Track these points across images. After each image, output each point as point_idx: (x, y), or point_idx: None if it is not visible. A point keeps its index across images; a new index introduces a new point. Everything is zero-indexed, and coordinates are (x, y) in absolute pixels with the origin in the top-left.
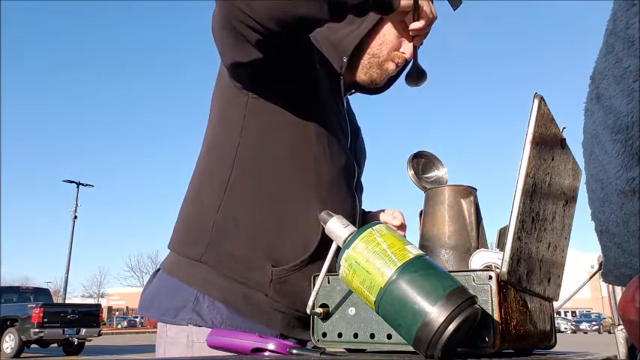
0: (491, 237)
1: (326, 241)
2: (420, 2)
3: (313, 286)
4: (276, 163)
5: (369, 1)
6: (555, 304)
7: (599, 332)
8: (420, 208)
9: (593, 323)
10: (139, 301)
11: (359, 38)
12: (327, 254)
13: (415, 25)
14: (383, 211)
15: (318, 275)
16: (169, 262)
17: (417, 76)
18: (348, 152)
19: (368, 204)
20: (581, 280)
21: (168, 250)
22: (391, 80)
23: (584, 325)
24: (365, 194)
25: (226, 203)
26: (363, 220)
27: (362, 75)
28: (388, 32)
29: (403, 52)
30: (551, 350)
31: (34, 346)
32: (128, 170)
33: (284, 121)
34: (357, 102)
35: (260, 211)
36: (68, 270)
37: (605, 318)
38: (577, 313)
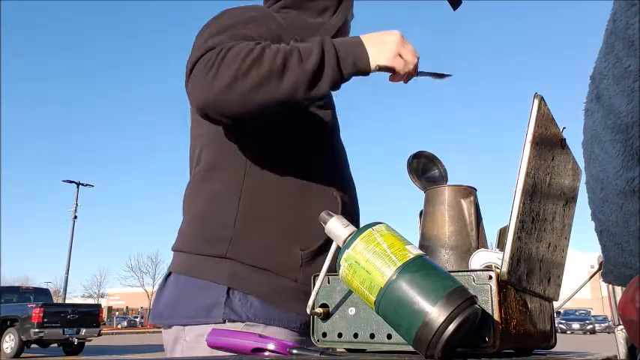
0: (492, 237)
1: (345, 215)
2: (395, 63)
3: (313, 287)
4: (290, 145)
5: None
6: (555, 304)
7: (591, 333)
8: (420, 208)
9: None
10: (152, 310)
11: (334, 31)
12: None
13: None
14: None
15: (318, 275)
16: (186, 264)
17: None
18: (342, 142)
19: (368, 203)
20: (581, 280)
21: (176, 253)
22: None
23: (564, 326)
24: (365, 194)
25: (246, 195)
26: None
27: None
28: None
29: None
30: (551, 350)
31: (34, 346)
32: (128, 170)
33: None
34: (357, 102)
35: (282, 197)
36: (68, 270)
37: (590, 319)
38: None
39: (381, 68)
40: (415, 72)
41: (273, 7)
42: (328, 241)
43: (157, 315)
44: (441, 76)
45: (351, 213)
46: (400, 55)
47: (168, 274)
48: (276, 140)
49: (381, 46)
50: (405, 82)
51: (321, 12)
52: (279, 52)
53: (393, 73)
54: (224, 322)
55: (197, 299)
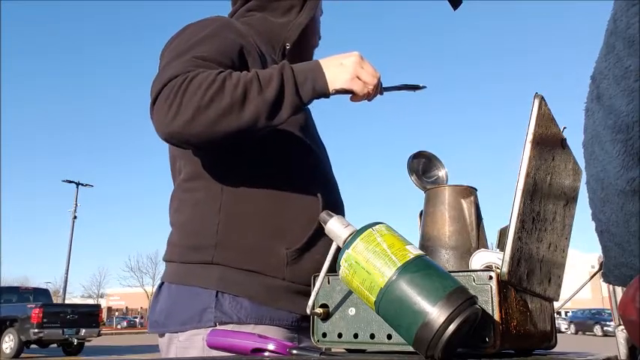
0: (492, 237)
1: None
2: (352, 85)
3: (313, 287)
4: (265, 148)
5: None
6: (556, 305)
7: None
8: (420, 208)
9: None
10: (149, 319)
11: (300, 28)
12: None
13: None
14: None
15: (318, 275)
16: (175, 273)
17: None
18: (319, 138)
19: (368, 204)
20: (581, 281)
21: (167, 263)
22: None
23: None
24: (365, 194)
25: (227, 201)
26: None
27: None
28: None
29: None
30: (552, 350)
31: (33, 346)
32: (128, 170)
33: None
34: (355, 103)
35: (262, 200)
36: (68, 270)
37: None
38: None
39: (338, 91)
40: (376, 91)
41: (239, 11)
42: (312, 239)
43: (153, 324)
44: (413, 88)
45: (334, 209)
46: (358, 77)
47: (161, 284)
48: (252, 145)
49: (339, 69)
50: (369, 100)
51: (286, 11)
52: (239, 82)
53: (353, 95)
54: (215, 325)
55: (189, 305)
